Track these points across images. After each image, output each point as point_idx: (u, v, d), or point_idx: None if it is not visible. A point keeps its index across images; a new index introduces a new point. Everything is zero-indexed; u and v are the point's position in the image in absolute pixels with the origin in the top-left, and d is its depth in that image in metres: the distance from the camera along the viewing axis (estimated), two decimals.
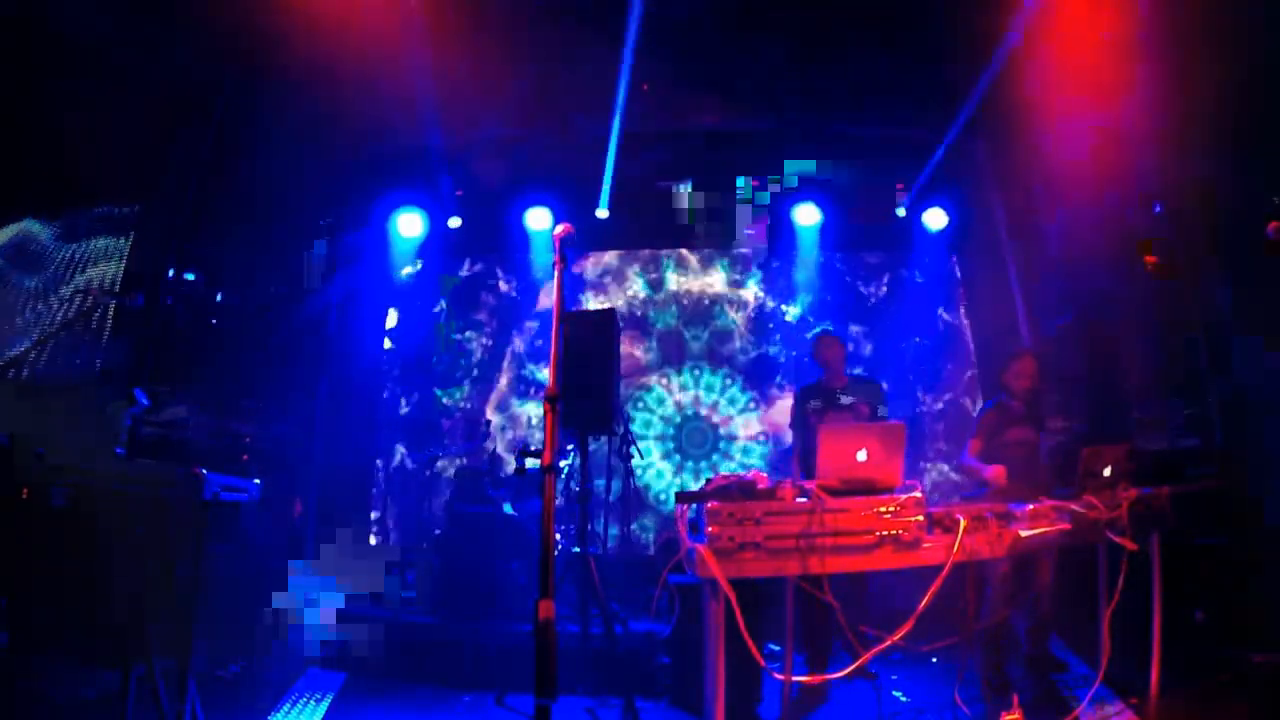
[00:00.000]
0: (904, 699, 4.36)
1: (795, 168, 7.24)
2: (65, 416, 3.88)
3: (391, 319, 7.82)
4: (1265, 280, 3.97)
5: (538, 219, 7.46)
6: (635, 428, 7.20)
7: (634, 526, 6.84)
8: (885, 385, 5.03)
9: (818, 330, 5.25)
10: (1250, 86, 3.86)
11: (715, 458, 7.58)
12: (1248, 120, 3.91)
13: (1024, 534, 3.13)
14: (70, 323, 4.37)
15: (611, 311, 5.21)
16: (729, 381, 7.77)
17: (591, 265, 8.07)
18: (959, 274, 7.73)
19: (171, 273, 5.29)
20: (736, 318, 7.90)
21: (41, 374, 4.14)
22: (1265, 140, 3.86)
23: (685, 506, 3.06)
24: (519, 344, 7.93)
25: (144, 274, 4.75)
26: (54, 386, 4.06)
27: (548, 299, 7.76)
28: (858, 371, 5.45)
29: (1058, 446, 5.31)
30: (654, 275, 8.03)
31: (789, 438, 6.11)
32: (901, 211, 7.38)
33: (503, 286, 8.07)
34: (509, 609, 5.36)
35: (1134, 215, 5.06)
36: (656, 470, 7.57)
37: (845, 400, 4.78)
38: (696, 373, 7.81)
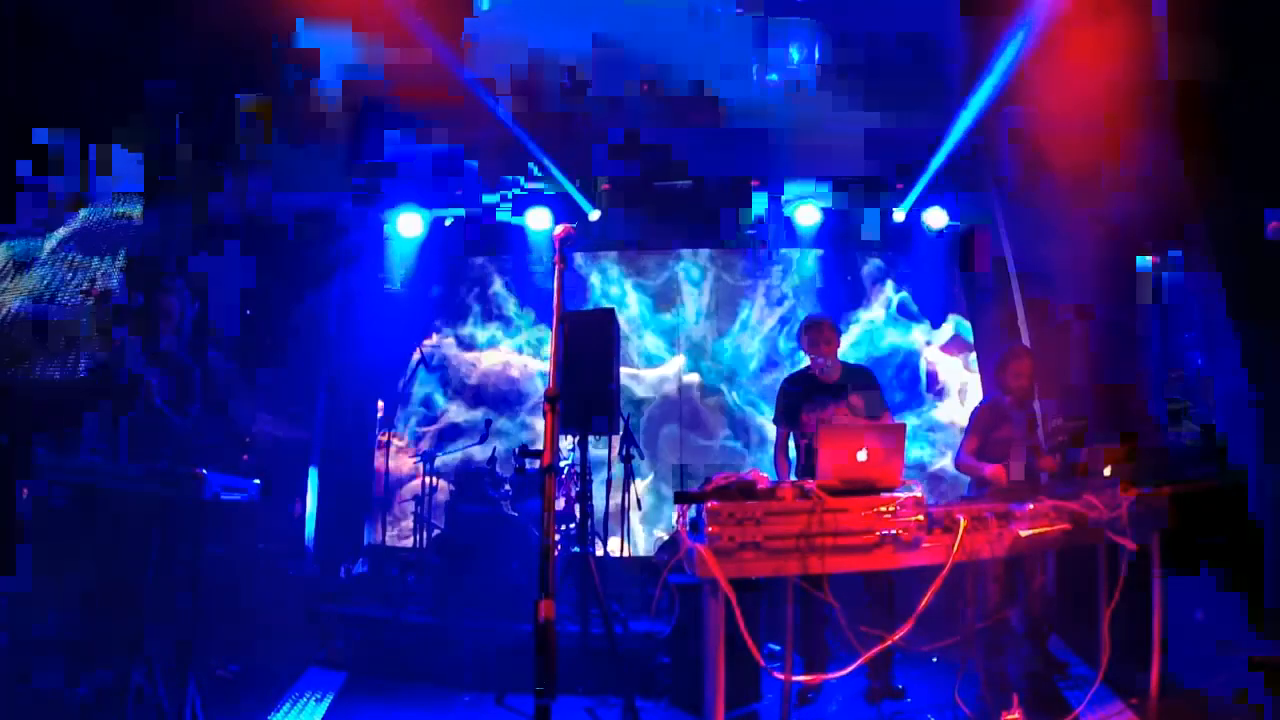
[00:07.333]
0: (907, 697, 4.36)
1: (796, 165, 7.23)
2: (65, 416, 3.88)
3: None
4: (1265, 280, 3.97)
5: (537, 219, 7.46)
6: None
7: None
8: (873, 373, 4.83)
9: (811, 315, 5.01)
10: (1248, 84, 3.86)
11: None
12: (1246, 117, 3.92)
13: (1024, 534, 3.13)
14: (73, 321, 4.37)
15: (611, 311, 5.21)
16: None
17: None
18: (959, 274, 7.71)
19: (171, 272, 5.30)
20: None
21: (43, 373, 4.15)
22: (1265, 138, 3.86)
23: (685, 506, 3.06)
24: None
25: (145, 273, 4.75)
26: (55, 386, 4.06)
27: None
28: (852, 361, 5.15)
29: (1058, 446, 5.32)
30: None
31: None
32: (900, 215, 7.38)
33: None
34: (509, 609, 5.35)
35: (1134, 215, 5.07)
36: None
37: (842, 393, 4.55)
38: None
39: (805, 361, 4.81)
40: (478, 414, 7.55)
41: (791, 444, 4.78)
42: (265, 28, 4.92)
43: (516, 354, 7.89)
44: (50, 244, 4.39)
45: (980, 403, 5.16)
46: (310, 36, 5.08)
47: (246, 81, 5.26)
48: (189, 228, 5.25)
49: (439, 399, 7.80)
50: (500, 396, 7.78)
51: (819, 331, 4.59)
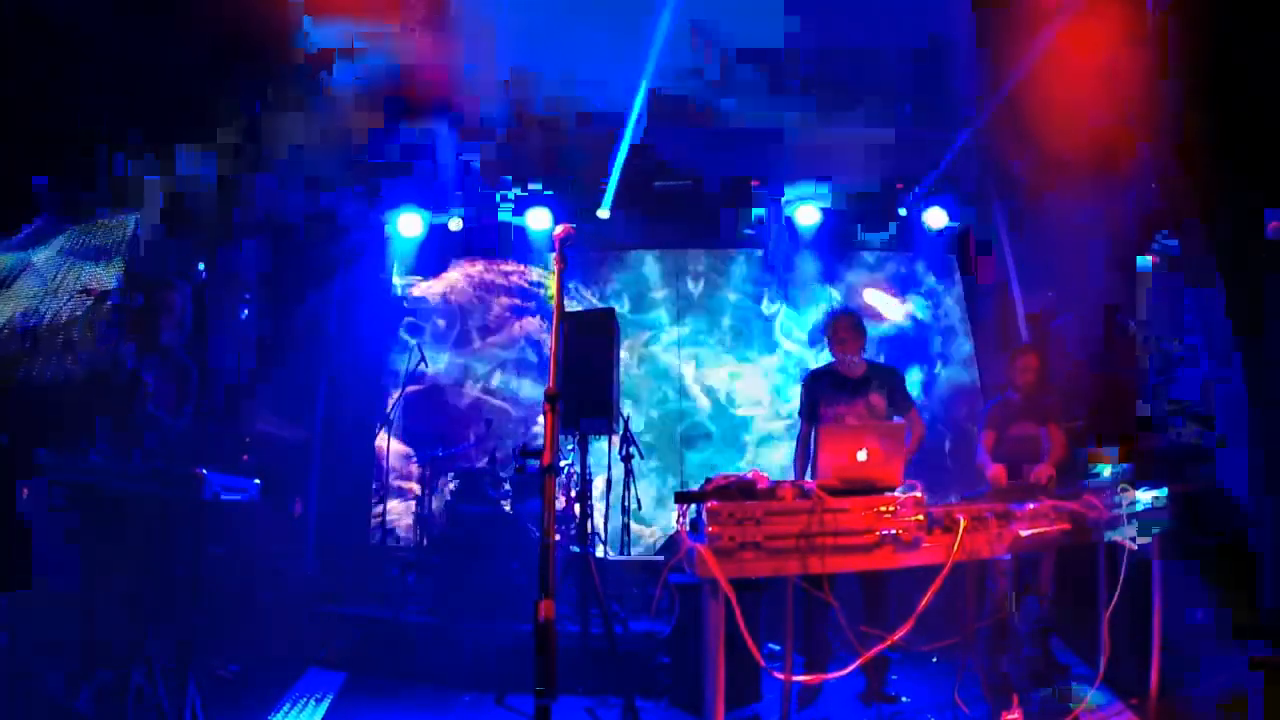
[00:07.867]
0: (904, 699, 4.36)
1: (796, 166, 7.22)
2: (64, 417, 3.89)
3: None
4: (1265, 279, 3.97)
5: (538, 219, 7.46)
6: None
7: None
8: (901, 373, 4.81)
9: (833, 310, 5.01)
10: (1249, 83, 3.86)
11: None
12: (1247, 117, 3.91)
13: (1024, 534, 3.13)
14: (70, 323, 4.37)
15: (611, 311, 5.21)
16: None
17: None
18: (959, 273, 7.71)
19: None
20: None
21: (41, 374, 4.15)
22: (1265, 138, 3.86)
23: (685, 506, 3.06)
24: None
25: (144, 274, 4.76)
26: (53, 387, 4.06)
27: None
28: (880, 358, 5.09)
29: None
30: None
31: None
32: (902, 211, 7.39)
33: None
34: (509, 609, 5.35)
35: (1134, 215, 5.07)
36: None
37: (863, 390, 4.51)
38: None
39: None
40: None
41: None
42: (272, 26, 4.91)
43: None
44: (41, 256, 4.40)
45: (992, 399, 5.40)
46: (320, 33, 5.07)
47: (260, 80, 5.26)
48: (202, 229, 5.25)
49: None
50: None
51: (836, 328, 4.60)
